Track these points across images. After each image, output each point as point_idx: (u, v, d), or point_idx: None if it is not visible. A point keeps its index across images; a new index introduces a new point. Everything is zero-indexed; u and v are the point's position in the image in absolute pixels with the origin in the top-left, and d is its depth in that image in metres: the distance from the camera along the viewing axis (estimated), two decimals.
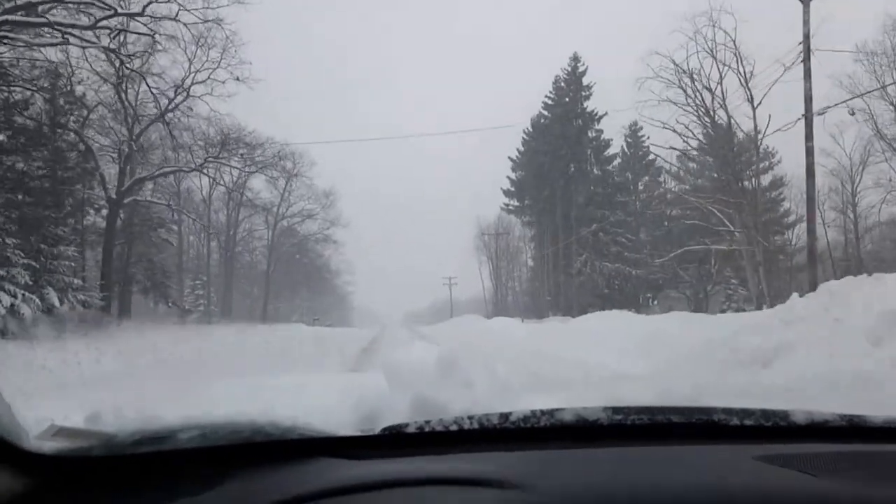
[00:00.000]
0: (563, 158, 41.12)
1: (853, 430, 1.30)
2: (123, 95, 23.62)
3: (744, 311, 33.98)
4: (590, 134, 41.65)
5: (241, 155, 25.43)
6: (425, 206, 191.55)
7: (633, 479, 1.03)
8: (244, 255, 66.14)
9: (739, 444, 1.23)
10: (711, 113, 27.81)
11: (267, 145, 26.80)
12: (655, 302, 48.39)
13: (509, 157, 48.81)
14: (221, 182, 27.43)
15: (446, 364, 1.84)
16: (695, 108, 28.33)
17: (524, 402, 1.43)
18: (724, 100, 27.40)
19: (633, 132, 46.28)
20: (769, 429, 1.28)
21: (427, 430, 1.15)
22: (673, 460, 1.15)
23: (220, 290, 56.19)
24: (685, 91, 27.93)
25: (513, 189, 49.20)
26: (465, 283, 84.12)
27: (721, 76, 27.25)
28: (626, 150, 44.15)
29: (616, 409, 1.20)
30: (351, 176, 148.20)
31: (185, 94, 25.16)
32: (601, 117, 41.68)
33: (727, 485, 1.01)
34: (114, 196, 24.49)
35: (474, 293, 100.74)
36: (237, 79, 24.28)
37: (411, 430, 1.16)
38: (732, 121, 26.72)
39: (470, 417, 1.19)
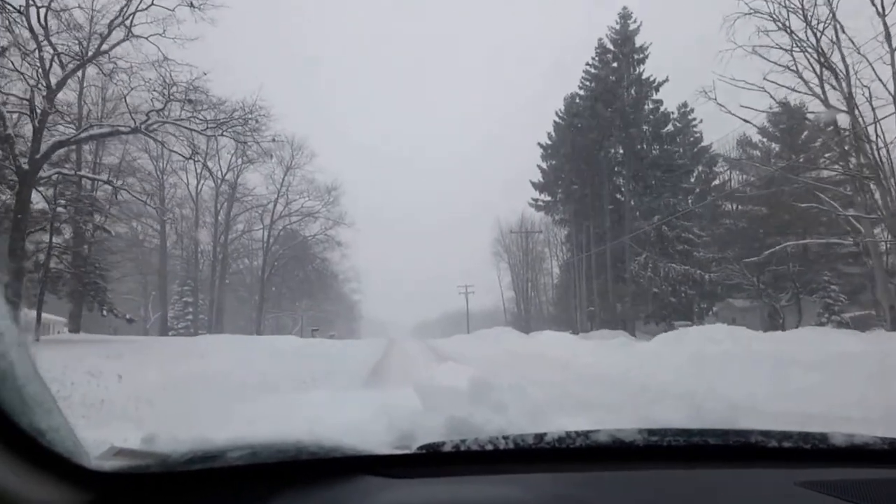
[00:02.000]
0: (611, 137, 34.04)
1: (894, 454, 1.27)
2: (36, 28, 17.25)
3: (849, 325, 26.96)
4: (647, 106, 34.45)
5: (198, 110, 18.80)
6: (439, 208, 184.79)
7: None
8: (242, 259, 59.97)
9: (779, 468, 1.20)
10: (822, 58, 20.78)
11: (235, 104, 20.03)
12: (712, 313, 41.27)
13: (539, 144, 42.08)
14: (176, 152, 20.76)
15: (479, 386, 1.90)
16: (794, 56, 21.31)
17: (557, 423, 1.41)
18: (838, 40, 20.43)
19: (683, 115, 39.42)
20: (808, 452, 1.25)
21: (463, 449, 1.15)
22: (712, 485, 1.13)
23: (213, 298, 49.83)
24: (789, 32, 20.99)
25: (543, 181, 42.38)
26: (480, 294, 76.68)
27: (832, 9, 20.31)
28: (674, 135, 37.13)
29: (652, 431, 1.17)
30: (356, 175, 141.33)
31: (126, 30, 18.81)
32: (660, 84, 34.47)
33: None
34: (25, 166, 18.09)
35: (490, 304, 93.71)
36: (190, 4, 17.85)
37: (447, 448, 1.15)
38: (869, 67, 19.58)
39: (505, 437, 1.18)
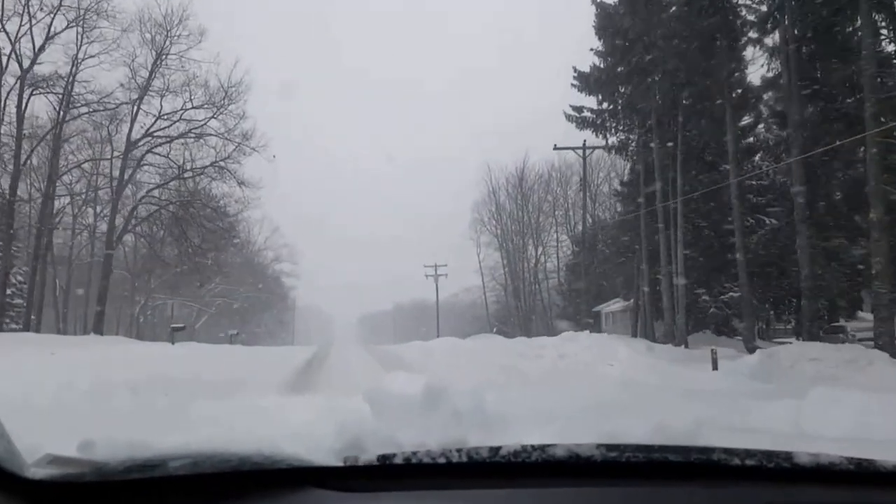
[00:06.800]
0: None
1: (862, 474, 1.22)
2: None
3: None
4: None
5: None
6: (397, 168, 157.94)
7: None
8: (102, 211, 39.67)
9: (745, 487, 1.17)
10: None
11: None
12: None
13: (593, 2, 23.91)
14: None
15: (433, 393, 1.79)
16: None
17: (514, 433, 1.37)
18: None
19: None
20: (773, 471, 1.21)
21: (414, 461, 1.11)
22: (675, 502, 1.10)
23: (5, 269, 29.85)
24: None
25: (593, 72, 24.28)
26: (448, 281, 56.78)
27: None
28: None
29: (610, 447, 1.13)
30: (288, 117, 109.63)
31: None
32: None
33: None
34: None
35: (448, 295, 74.53)
36: None
37: (398, 461, 1.11)
38: None
39: (458, 450, 1.14)
